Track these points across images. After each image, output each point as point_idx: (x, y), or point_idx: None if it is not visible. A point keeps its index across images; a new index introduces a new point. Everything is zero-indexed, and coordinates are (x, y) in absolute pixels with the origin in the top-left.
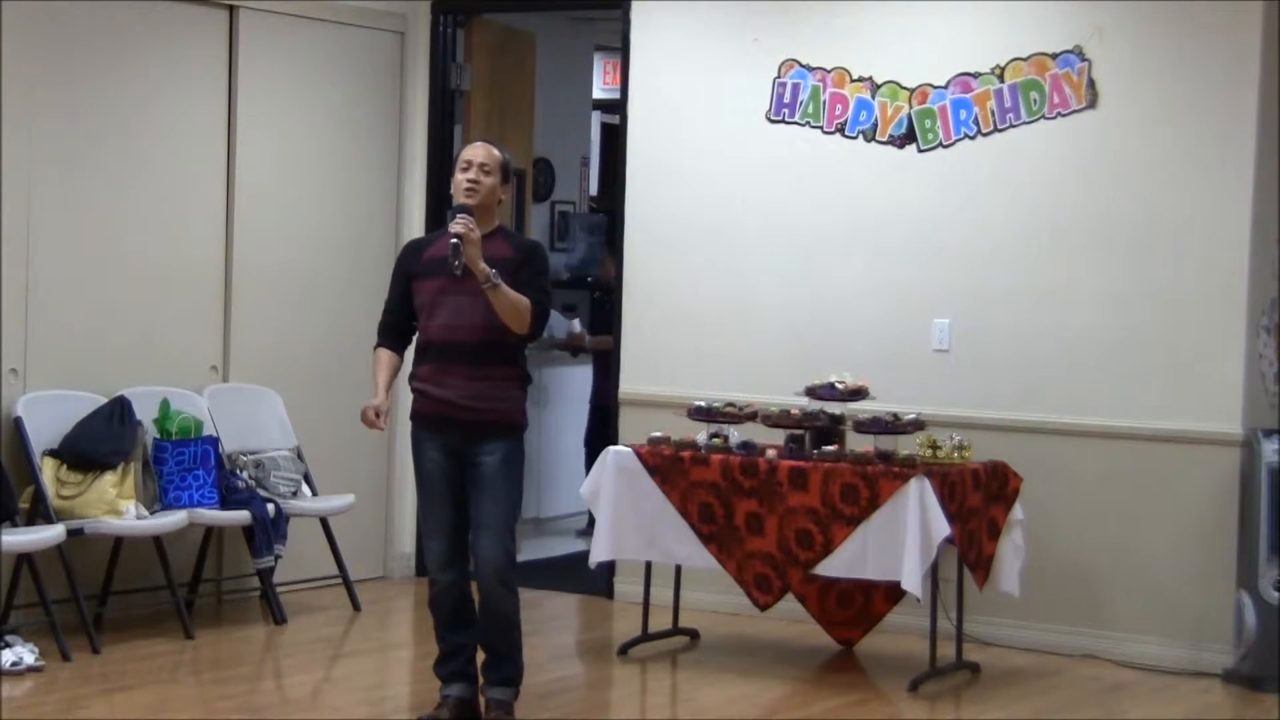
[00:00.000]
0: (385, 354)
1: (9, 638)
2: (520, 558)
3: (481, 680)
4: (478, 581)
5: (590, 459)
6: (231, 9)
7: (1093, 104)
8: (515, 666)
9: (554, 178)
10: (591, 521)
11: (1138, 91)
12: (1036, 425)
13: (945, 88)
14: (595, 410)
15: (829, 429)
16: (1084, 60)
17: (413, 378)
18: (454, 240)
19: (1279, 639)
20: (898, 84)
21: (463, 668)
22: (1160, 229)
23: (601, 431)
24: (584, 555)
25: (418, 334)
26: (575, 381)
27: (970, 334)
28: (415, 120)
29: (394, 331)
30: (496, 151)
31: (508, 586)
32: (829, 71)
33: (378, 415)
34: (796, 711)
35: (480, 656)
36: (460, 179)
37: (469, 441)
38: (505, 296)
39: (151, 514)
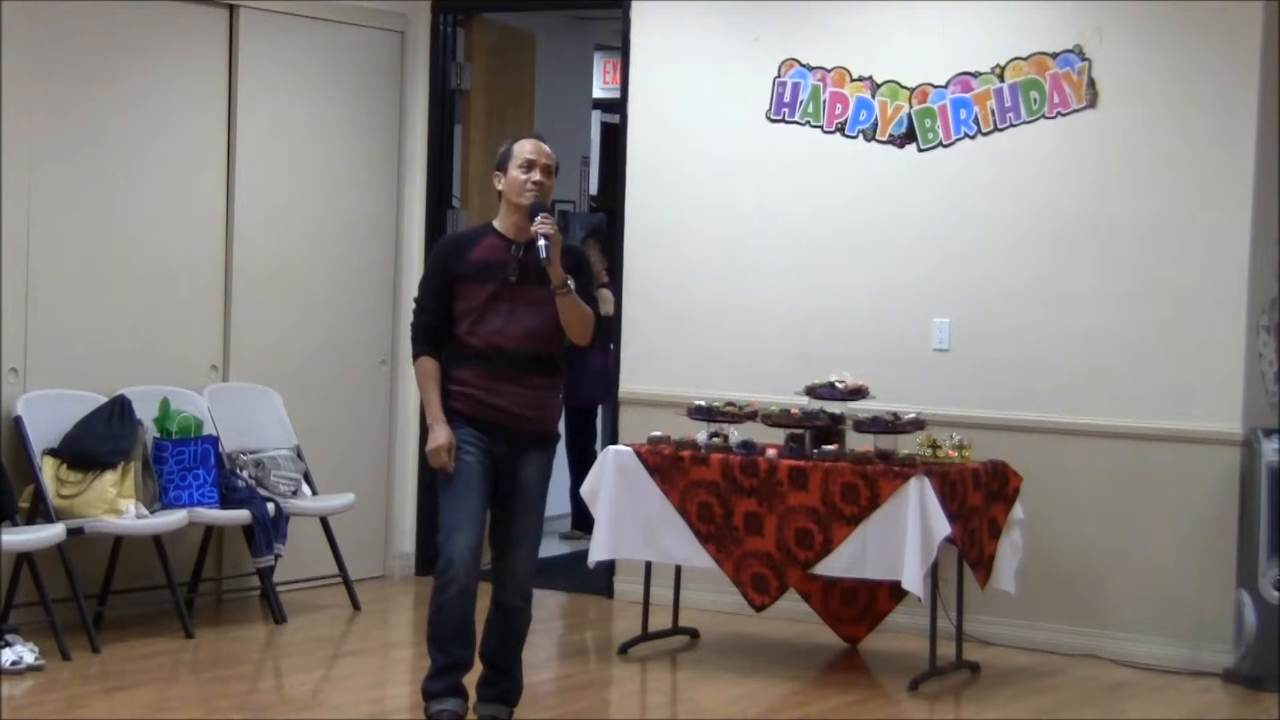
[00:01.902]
0: (431, 366)
1: (9, 637)
2: None
3: (474, 698)
4: (502, 595)
5: (571, 460)
6: (231, 9)
7: (1093, 103)
8: (517, 684)
9: None
10: (575, 524)
11: (1138, 91)
12: (1036, 425)
13: (945, 87)
14: (567, 411)
15: (829, 428)
16: (1084, 60)
17: (452, 380)
18: (544, 242)
19: (1279, 639)
20: (898, 83)
21: (459, 682)
22: (1160, 229)
23: (577, 433)
24: (578, 555)
25: (460, 336)
26: None
27: (970, 334)
28: (415, 120)
29: (435, 336)
30: (549, 150)
31: (529, 603)
32: (829, 71)
33: (450, 454)
34: (796, 711)
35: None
36: (522, 179)
37: (514, 450)
38: (576, 304)
39: (151, 513)
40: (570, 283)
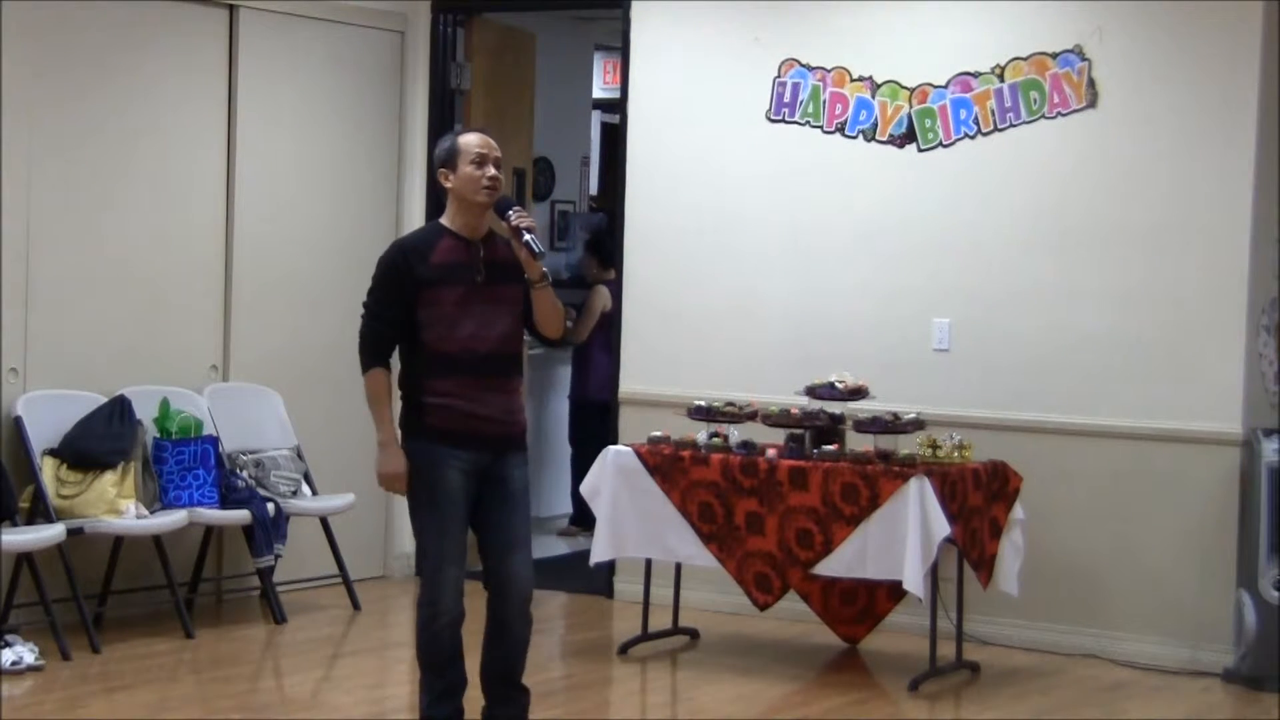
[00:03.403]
0: (384, 379)
1: (9, 637)
2: None
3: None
4: (505, 605)
5: (575, 457)
6: (231, 8)
7: (1093, 104)
8: (528, 694)
9: (554, 177)
10: (573, 521)
11: (1138, 91)
12: (1036, 425)
13: (945, 87)
14: (574, 407)
15: (829, 428)
16: (1084, 60)
17: (426, 392)
18: (529, 237)
19: (1279, 639)
20: (898, 83)
21: (461, 705)
22: (1160, 229)
23: (581, 429)
24: (578, 555)
25: (430, 345)
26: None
27: (970, 334)
28: (415, 120)
29: (389, 347)
30: (495, 143)
31: (530, 608)
32: (829, 71)
33: (403, 482)
34: (796, 711)
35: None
36: (477, 175)
37: (498, 456)
38: (553, 296)
39: (151, 513)
40: (549, 276)
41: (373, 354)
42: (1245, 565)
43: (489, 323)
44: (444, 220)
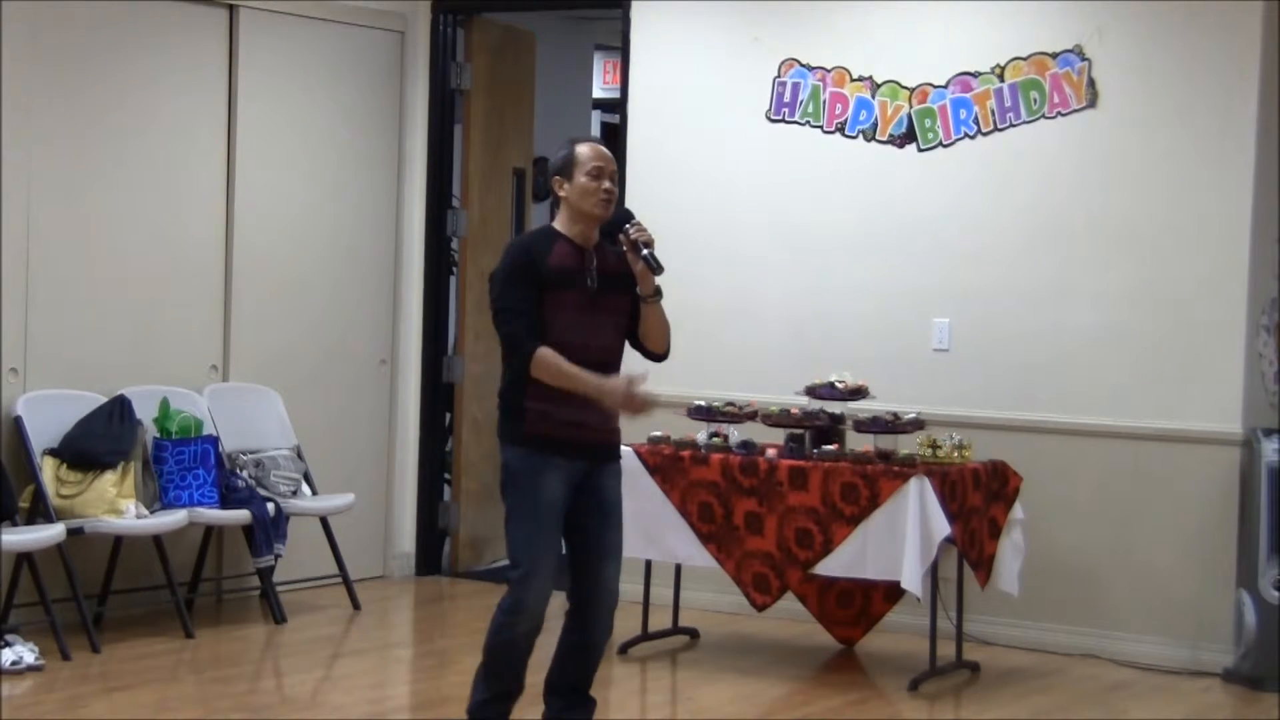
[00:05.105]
0: (550, 354)
1: (9, 637)
2: None
3: None
4: (592, 612)
5: None
6: (231, 9)
7: (1093, 104)
8: (595, 704)
9: None
10: None
11: (1138, 91)
12: (1036, 425)
13: (945, 87)
14: None
15: (829, 428)
16: (1084, 60)
17: (529, 397)
18: (647, 251)
19: (1279, 639)
20: (898, 83)
21: (511, 709)
22: (1160, 229)
23: None
24: None
25: None
26: None
27: (970, 334)
28: (415, 120)
29: (538, 333)
30: (610, 154)
31: (613, 619)
32: (829, 71)
33: (634, 385)
34: (796, 711)
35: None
36: (594, 186)
37: (597, 464)
38: (663, 312)
39: (151, 513)
40: (661, 291)
41: (529, 339)
42: (1245, 565)
43: (596, 332)
44: (557, 225)
